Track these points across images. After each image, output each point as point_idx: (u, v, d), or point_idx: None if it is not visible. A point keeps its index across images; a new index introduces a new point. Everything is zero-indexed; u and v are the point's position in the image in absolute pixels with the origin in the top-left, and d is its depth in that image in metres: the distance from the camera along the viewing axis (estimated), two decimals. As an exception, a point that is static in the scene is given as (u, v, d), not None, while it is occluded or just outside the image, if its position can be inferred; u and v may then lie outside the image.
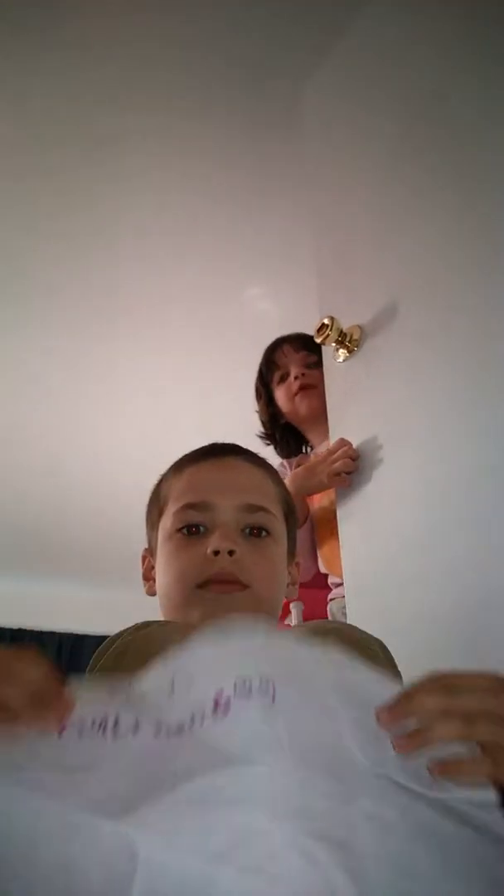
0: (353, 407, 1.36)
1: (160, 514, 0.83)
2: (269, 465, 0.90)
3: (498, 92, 1.22)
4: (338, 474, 1.30)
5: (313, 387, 1.58)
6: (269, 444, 1.76)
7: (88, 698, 0.50)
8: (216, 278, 2.38)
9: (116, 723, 0.48)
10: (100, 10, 1.63)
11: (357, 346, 1.34)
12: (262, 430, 1.76)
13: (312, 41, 1.63)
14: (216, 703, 0.47)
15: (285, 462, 1.70)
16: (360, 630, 0.69)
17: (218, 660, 0.52)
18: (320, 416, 1.53)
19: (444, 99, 1.33)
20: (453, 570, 1.09)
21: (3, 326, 2.56)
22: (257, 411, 1.76)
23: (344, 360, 1.37)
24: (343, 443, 1.33)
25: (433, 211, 1.29)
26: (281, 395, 1.67)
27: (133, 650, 0.64)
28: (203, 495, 0.79)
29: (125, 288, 2.41)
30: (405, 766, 0.45)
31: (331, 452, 1.33)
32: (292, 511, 0.88)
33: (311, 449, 1.71)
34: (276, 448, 1.76)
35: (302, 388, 1.60)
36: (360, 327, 1.35)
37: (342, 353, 1.37)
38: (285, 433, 1.73)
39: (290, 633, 0.57)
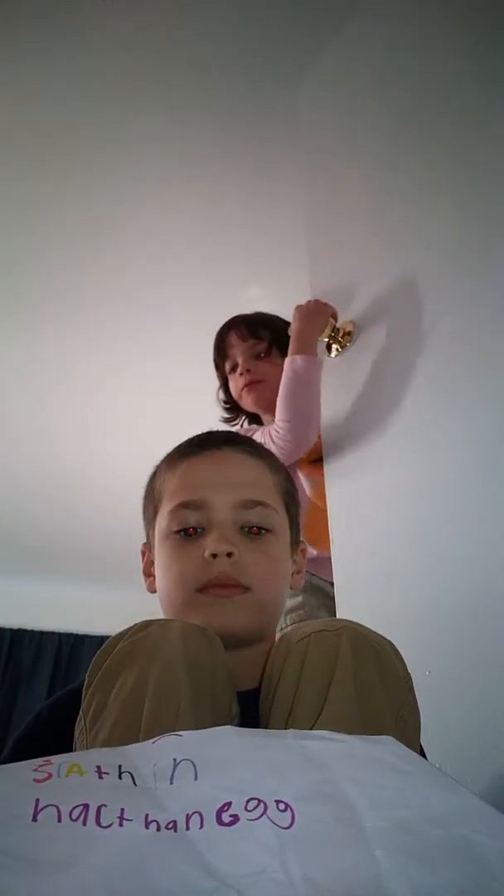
0: (346, 402, 1.35)
1: (155, 511, 0.81)
2: (267, 452, 0.86)
3: (495, 85, 1.22)
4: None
5: (259, 382, 1.54)
6: (234, 426, 1.71)
7: (71, 783, 0.45)
8: (216, 278, 2.39)
9: (99, 812, 0.42)
10: (98, 8, 1.63)
11: (350, 342, 1.34)
12: (223, 414, 1.71)
13: (310, 40, 1.63)
14: (219, 813, 0.42)
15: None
16: (369, 629, 0.66)
17: (232, 764, 0.46)
18: (268, 408, 1.49)
19: (442, 97, 1.33)
20: (447, 565, 1.08)
21: (4, 328, 2.57)
22: (218, 391, 1.71)
23: (337, 356, 1.37)
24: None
25: (427, 207, 1.29)
26: (232, 386, 1.62)
27: (136, 654, 0.62)
28: (198, 493, 0.76)
29: (124, 288, 2.42)
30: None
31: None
32: (293, 499, 0.85)
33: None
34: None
35: (247, 385, 1.55)
36: (352, 322, 1.35)
37: (335, 348, 1.37)
38: (246, 418, 1.68)
39: (321, 736, 0.49)
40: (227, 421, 1.69)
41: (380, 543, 1.19)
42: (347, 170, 1.51)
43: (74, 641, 4.24)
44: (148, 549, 0.84)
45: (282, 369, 1.51)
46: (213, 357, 1.68)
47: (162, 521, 0.78)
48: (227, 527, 0.75)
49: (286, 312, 2.45)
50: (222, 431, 0.88)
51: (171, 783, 0.45)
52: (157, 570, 0.79)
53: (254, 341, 1.58)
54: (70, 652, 4.23)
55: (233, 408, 1.66)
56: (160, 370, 2.77)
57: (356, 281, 1.38)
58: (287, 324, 1.56)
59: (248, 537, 0.75)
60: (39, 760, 0.47)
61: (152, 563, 0.82)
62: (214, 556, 0.72)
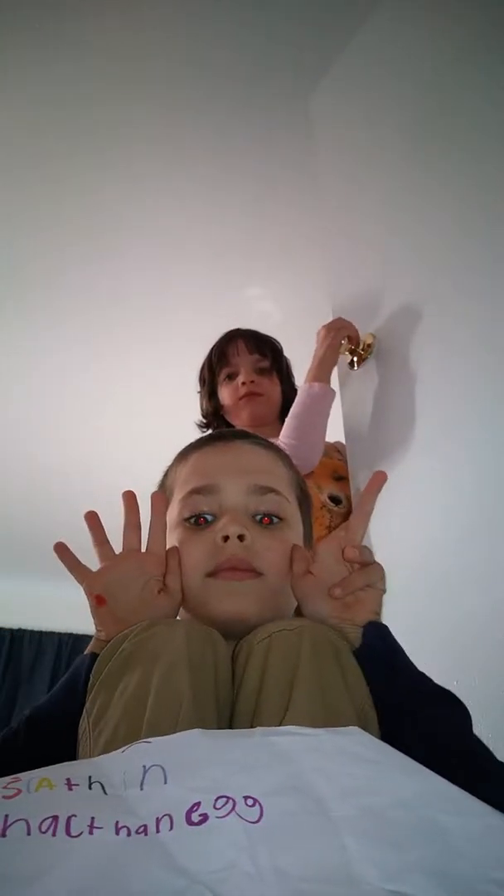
0: (366, 414, 1.36)
1: (167, 504, 0.81)
2: (279, 448, 0.85)
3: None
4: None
5: (259, 395, 1.54)
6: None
7: (40, 797, 0.44)
8: (216, 278, 2.39)
9: (69, 823, 0.42)
10: (101, 13, 1.62)
11: (370, 354, 1.35)
12: (200, 419, 1.66)
13: (319, 47, 1.63)
14: (188, 814, 0.42)
15: None
16: (327, 627, 0.65)
17: (201, 765, 0.46)
18: (260, 423, 1.50)
19: (453, 105, 1.33)
20: (472, 575, 1.09)
21: (5, 330, 2.56)
22: (199, 393, 1.67)
23: (357, 368, 1.37)
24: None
25: (445, 217, 1.29)
26: (225, 394, 1.59)
27: (140, 654, 0.61)
28: (209, 478, 0.75)
29: (126, 289, 2.42)
30: (431, 874, 0.39)
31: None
32: (306, 495, 0.83)
33: None
34: None
35: (248, 395, 1.53)
36: (372, 335, 1.36)
37: (355, 360, 1.37)
38: (222, 426, 1.63)
39: (289, 731, 0.51)
40: (201, 427, 1.65)
41: (404, 557, 1.20)
42: (364, 178, 1.51)
43: (74, 641, 4.23)
44: None
45: (278, 389, 1.55)
46: (210, 359, 1.64)
47: (173, 511, 0.77)
48: (240, 512, 0.73)
49: (287, 312, 2.47)
50: (234, 429, 0.86)
51: (142, 789, 0.45)
52: None
53: (259, 356, 1.58)
54: (70, 652, 4.22)
55: (213, 414, 1.62)
56: (162, 372, 2.77)
57: (376, 294, 1.39)
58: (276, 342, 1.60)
59: (260, 525, 0.73)
60: (8, 778, 0.47)
61: None
62: (226, 538, 0.70)
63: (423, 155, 1.36)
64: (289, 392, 1.57)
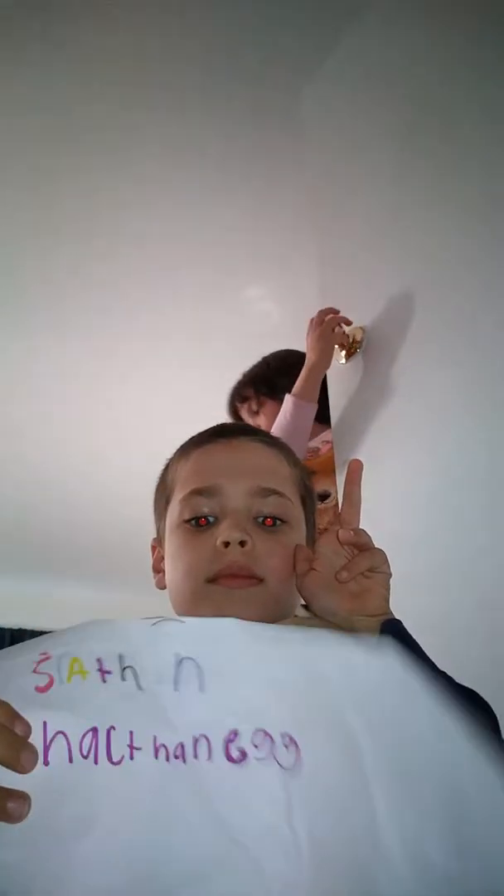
0: (354, 408, 1.37)
1: (167, 502, 0.78)
2: (284, 444, 0.83)
3: (500, 91, 1.23)
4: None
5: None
6: None
7: (74, 691, 0.44)
8: (216, 279, 2.39)
9: (108, 741, 0.42)
10: (99, 16, 1.63)
11: (359, 348, 1.36)
12: None
13: (313, 44, 1.64)
14: (227, 745, 0.43)
15: None
16: (343, 635, 0.64)
17: (238, 679, 0.46)
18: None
19: (445, 100, 1.34)
20: (456, 569, 1.09)
21: (6, 333, 2.57)
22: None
23: (346, 362, 1.39)
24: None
25: (436, 212, 1.29)
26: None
27: None
28: (211, 479, 0.73)
29: (126, 290, 2.42)
30: (448, 839, 0.42)
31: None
32: (310, 494, 0.81)
33: None
34: None
35: None
36: (362, 329, 1.37)
37: (344, 354, 1.38)
38: None
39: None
40: None
41: (392, 549, 1.19)
42: (355, 173, 1.52)
43: (74, 641, 4.23)
44: (158, 544, 0.82)
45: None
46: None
47: (174, 511, 0.76)
48: (241, 515, 0.71)
49: (287, 312, 2.47)
50: (237, 423, 0.84)
51: (176, 689, 0.44)
52: (167, 563, 0.76)
53: (242, 404, 1.61)
54: (70, 652, 4.22)
55: None
56: (162, 372, 2.78)
57: (365, 288, 1.40)
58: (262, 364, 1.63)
59: (262, 528, 0.72)
60: (37, 654, 0.46)
61: (162, 558, 0.79)
62: (226, 544, 0.68)
63: (414, 150, 1.36)
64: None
